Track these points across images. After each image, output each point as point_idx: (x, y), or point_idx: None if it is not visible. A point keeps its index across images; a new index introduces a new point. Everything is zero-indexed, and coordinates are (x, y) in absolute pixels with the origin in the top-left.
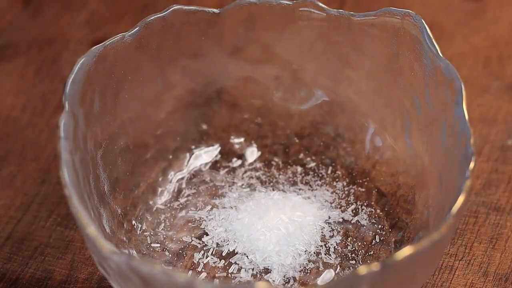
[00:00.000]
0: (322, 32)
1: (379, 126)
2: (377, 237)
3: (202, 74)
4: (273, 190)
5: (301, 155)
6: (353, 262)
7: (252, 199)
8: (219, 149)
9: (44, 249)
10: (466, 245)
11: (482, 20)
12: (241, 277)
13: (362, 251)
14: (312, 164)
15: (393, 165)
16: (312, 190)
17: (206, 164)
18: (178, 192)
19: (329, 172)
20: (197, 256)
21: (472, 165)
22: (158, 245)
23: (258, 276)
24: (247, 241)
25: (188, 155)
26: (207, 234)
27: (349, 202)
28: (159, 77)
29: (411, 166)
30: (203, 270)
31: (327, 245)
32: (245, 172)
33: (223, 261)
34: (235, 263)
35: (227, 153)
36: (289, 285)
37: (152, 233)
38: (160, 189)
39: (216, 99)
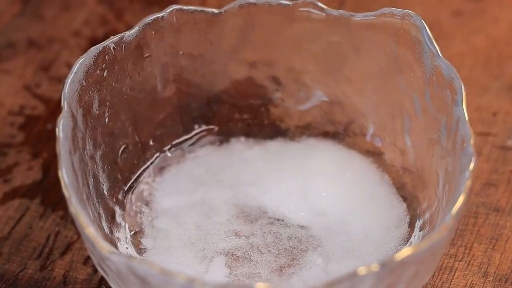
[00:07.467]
0: (322, 32)
1: (379, 126)
2: None
3: (202, 74)
4: None
5: None
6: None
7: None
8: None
9: (43, 249)
10: (466, 246)
11: (482, 20)
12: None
13: None
14: None
15: (393, 165)
16: None
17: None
18: None
19: None
20: None
21: (472, 165)
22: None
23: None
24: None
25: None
26: None
27: None
28: (159, 77)
29: (411, 166)
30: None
31: None
32: None
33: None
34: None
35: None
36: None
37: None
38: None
39: (216, 99)
